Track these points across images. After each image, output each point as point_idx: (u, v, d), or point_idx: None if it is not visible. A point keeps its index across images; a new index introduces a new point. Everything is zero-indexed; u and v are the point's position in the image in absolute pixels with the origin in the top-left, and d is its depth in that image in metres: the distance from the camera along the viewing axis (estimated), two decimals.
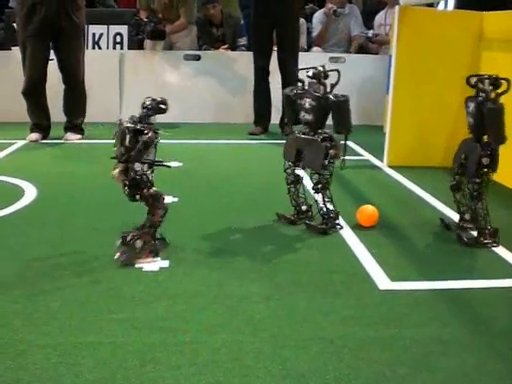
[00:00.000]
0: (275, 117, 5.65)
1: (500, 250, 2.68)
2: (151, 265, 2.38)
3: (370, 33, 6.78)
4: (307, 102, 2.74)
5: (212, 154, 4.62)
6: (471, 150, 2.76)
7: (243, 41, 6.60)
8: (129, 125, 2.32)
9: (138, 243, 2.42)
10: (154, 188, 2.42)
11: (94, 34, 6.47)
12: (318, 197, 2.82)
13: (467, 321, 2.04)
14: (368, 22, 6.98)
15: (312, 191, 2.87)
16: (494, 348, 1.86)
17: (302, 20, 6.11)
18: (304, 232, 2.84)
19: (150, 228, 2.45)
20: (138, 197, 2.40)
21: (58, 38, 4.88)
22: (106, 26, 6.47)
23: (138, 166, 2.34)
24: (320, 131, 2.77)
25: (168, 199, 3.23)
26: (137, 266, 2.37)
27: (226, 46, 6.53)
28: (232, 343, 1.83)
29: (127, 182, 2.36)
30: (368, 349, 1.82)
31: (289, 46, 5.43)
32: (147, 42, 6.22)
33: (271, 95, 5.59)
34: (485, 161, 2.70)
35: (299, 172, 2.89)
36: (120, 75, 6.11)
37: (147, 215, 2.45)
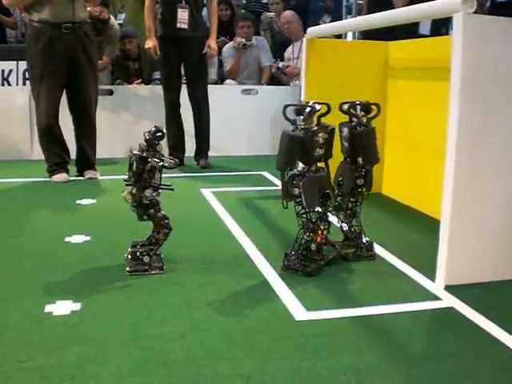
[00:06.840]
0: (189, 149, 5.65)
1: (413, 274, 2.74)
2: (62, 308, 2.29)
3: (281, 64, 6.90)
4: (321, 138, 2.69)
5: None
6: (346, 171, 2.88)
7: (158, 74, 6.58)
8: (136, 152, 2.62)
9: (146, 258, 2.68)
10: (162, 211, 2.68)
11: (3, 71, 6.31)
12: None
13: (383, 347, 2.05)
14: (278, 53, 7.10)
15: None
16: (410, 374, 1.87)
17: None
18: (218, 266, 2.82)
19: (155, 245, 2.71)
20: (145, 217, 2.67)
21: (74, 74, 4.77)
22: (15, 62, 6.30)
23: (148, 193, 2.61)
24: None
25: (79, 238, 3.17)
26: (47, 310, 2.27)
27: (139, 81, 6.48)
28: None
29: (135, 204, 2.63)
30: (285, 382, 1.80)
31: (198, 79, 5.47)
32: None
33: (184, 128, 5.59)
34: (359, 181, 2.86)
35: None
36: (30, 112, 5.89)
37: (152, 233, 2.72)
